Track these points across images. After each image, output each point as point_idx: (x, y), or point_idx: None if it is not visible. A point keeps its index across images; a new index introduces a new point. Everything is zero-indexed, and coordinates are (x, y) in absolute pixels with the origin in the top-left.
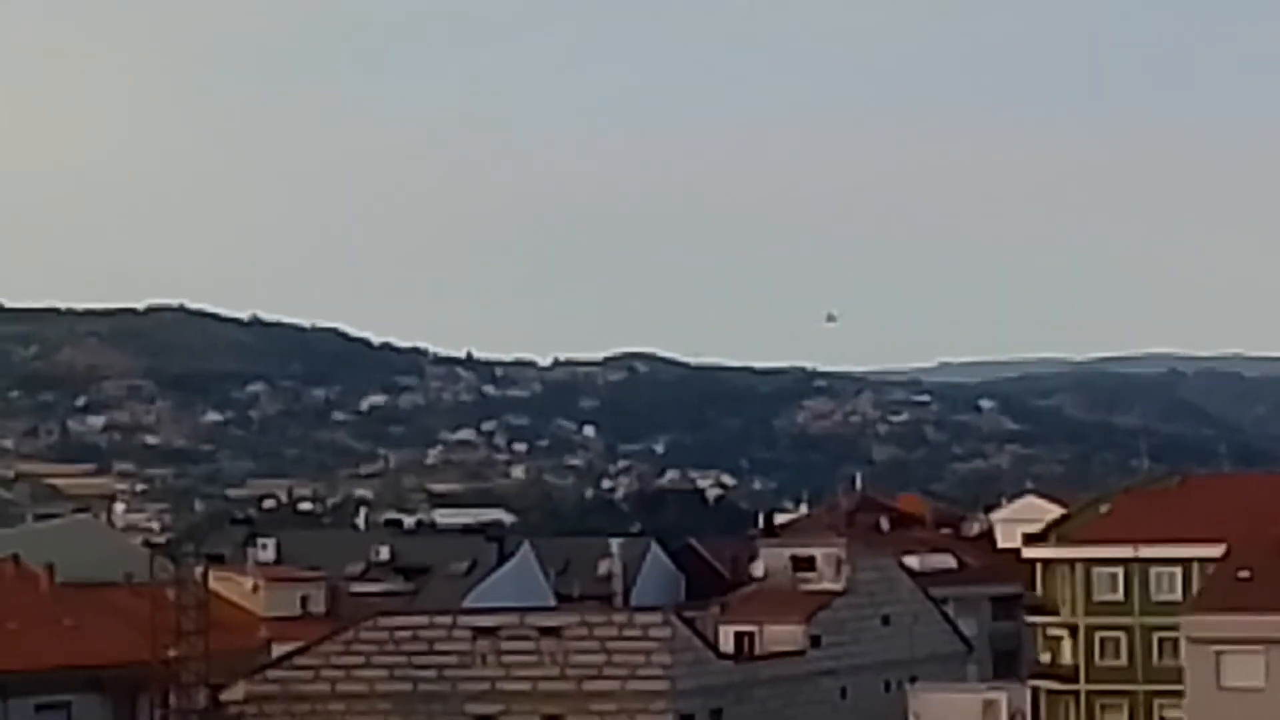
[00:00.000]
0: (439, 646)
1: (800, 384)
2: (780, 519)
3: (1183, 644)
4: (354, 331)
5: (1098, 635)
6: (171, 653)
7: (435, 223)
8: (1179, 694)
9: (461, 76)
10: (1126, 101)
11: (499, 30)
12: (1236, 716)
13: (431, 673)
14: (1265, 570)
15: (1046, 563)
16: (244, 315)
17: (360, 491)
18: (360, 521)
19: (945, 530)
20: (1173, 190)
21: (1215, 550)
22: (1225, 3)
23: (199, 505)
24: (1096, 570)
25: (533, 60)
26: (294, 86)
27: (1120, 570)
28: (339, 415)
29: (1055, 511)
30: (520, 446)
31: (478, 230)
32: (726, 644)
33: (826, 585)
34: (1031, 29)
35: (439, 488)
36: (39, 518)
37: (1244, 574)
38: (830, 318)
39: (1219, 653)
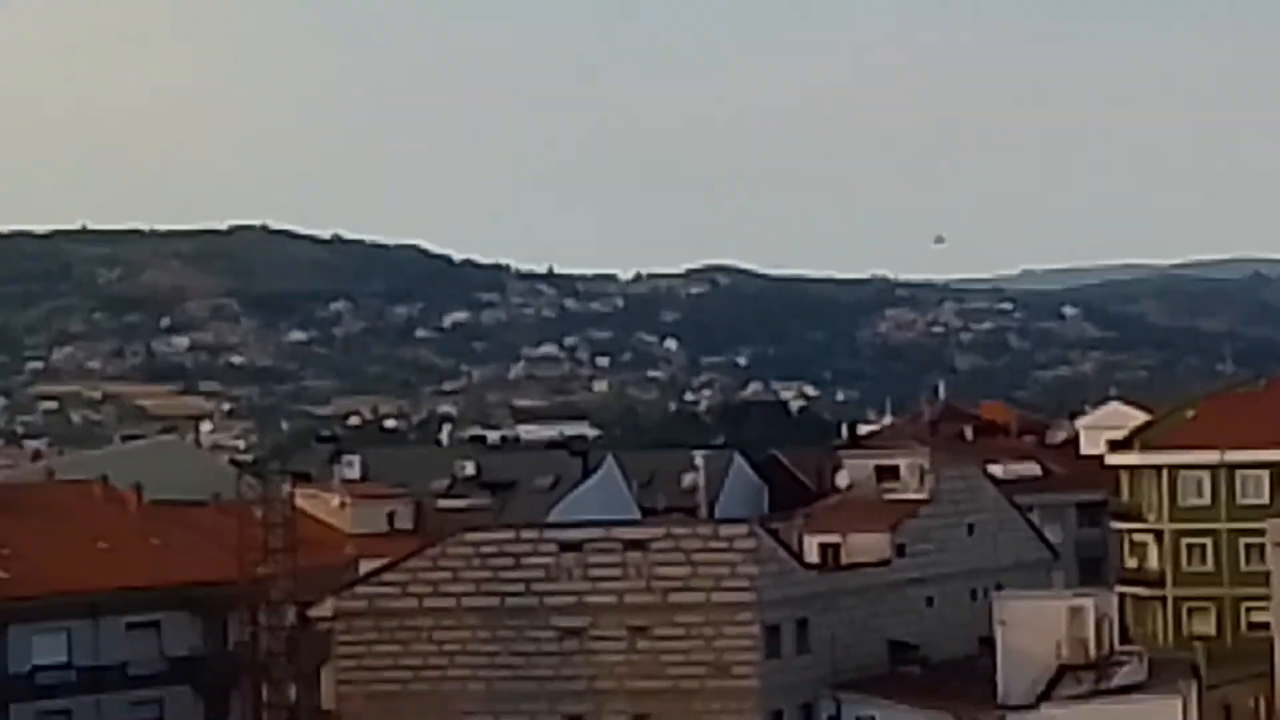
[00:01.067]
0: (525, 561)
1: (882, 294)
2: (863, 429)
3: (1269, 548)
4: (435, 248)
5: (1184, 541)
6: (260, 570)
7: (515, 140)
8: (1266, 598)
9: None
10: (1206, 8)
11: None
12: None
13: (518, 587)
14: None
15: (1132, 469)
16: (326, 234)
17: (444, 408)
18: (444, 438)
19: (1029, 438)
20: (1252, 95)
21: None
22: None
23: (284, 424)
24: (1182, 475)
25: None
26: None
27: (1206, 475)
28: (421, 332)
29: (1140, 418)
30: (603, 361)
31: (558, 147)
32: (811, 554)
33: (911, 495)
34: None
35: (522, 403)
36: (126, 438)
37: None
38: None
39: None
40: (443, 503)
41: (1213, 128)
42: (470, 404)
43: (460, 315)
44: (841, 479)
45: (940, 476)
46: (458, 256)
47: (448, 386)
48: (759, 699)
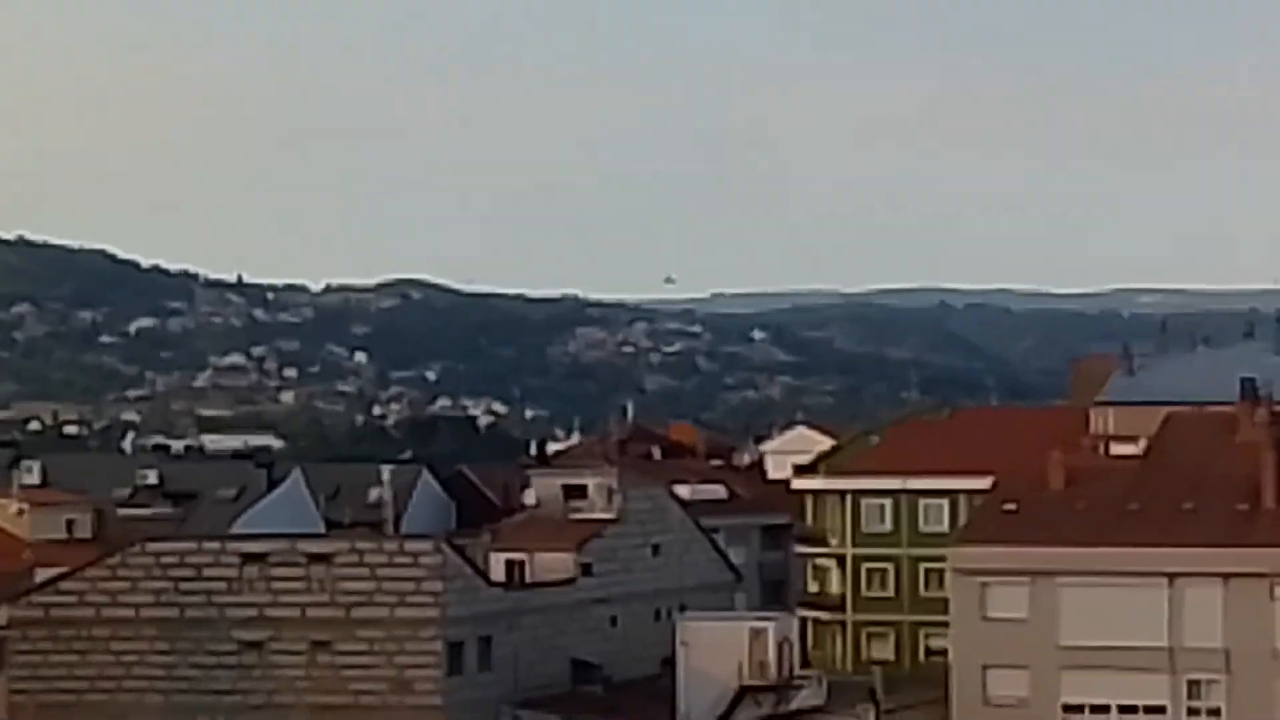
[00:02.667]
0: (207, 572)
1: (573, 312)
2: (552, 447)
3: (949, 575)
4: (122, 253)
5: (865, 566)
6: None
7: (207, 144)
8: (944, 624)
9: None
10: (904, 38)
11: None
12: (1000, 646)
13: (199, 598)
14: (1030, 503)
15: (816, 493)
16: (10, 235)
17: (127, 415)
18: (127, 446)
19: (716, 461)
20: (940, 124)
21: (983, 482)
22: None
23: None
24: (865, 501)
25: None
26: (57, 5)
27: (889, 501)
28: (106, 338)
29: (825, 443)
30: (291, 372)
31: (251, 153)
32: (497, 572)
33: (598, 514)
34: None
35: (208, 413)
36: None
37: (1009, 506)
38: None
39: (984, 584)
40: (124, 511)
41: (899, 157)
42: (154, 412)
43: (146, 322)
44: (529, 497)
45: (627, 496)
46: (145, 262)
47: (131, 394)
48: (440, 716)
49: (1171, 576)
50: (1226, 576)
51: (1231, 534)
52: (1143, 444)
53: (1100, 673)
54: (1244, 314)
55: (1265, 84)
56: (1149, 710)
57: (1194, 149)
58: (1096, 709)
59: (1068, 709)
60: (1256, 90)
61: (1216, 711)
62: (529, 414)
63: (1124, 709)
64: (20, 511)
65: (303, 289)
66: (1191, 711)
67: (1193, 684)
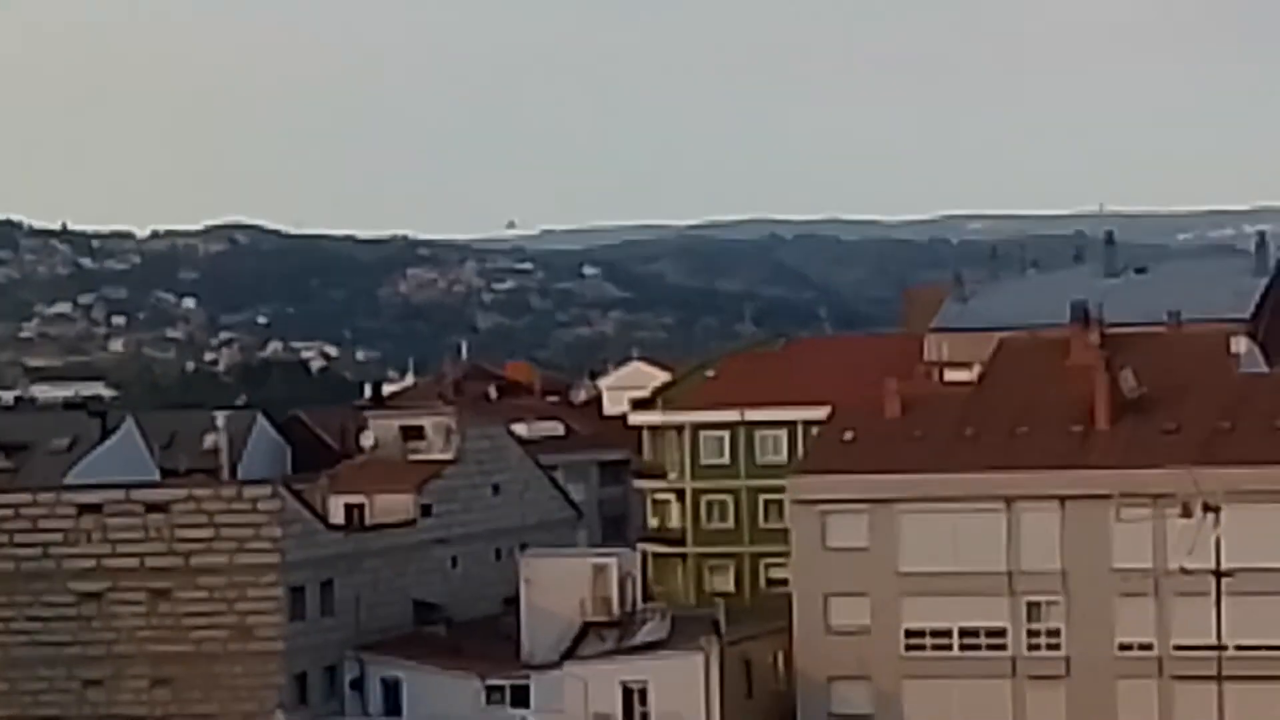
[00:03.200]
0: (42, 524)
1: (403, 253)
2: (388, 389)
3: (788, 505)
4: None
5: (704, 499)
6: None
7: (29, 89)
8: (785, 555)
9: None
10: None
11: None
12: (840, 575)
13: (35, 550)
14: (866, 431)
15: (653, 428)
16: None
17: None
18: None
19: (553, 398)
20: (770, 55)
21: (819, 413)
22: None
23: None
24: (703, 434)
25: None
26: None
27: (726, 434)
28: None
29: (661, 377)
30: (119, 319)
31: (73, 97)
32: (336, 515)
33: (436, 455)
34: None
35: (36, 362)
36: None
37: (847, 435)
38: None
39: (823, 513)
40: None
41: (728, 89)
42: None
43: None
44: (366, 439)
45: (466, 436)
46: None
47: None
48: (282, 661)
49: (1009, 500)
50: (1062, 499)
51: (1066, 457)
52: (977, 370)
53: (941, 598)
54: (1072, 238)
55: (1086, 5)
56: (990, 633)
57: (1016, 74)
58: (938, 633)
59: (909, 635)
60: (1077, 12)
61: (1056, 632)
62: (361, 356)
63: (965, 632)
64: None
65: (129, 235)
66: (1031, 633)
67: (1032, 606)
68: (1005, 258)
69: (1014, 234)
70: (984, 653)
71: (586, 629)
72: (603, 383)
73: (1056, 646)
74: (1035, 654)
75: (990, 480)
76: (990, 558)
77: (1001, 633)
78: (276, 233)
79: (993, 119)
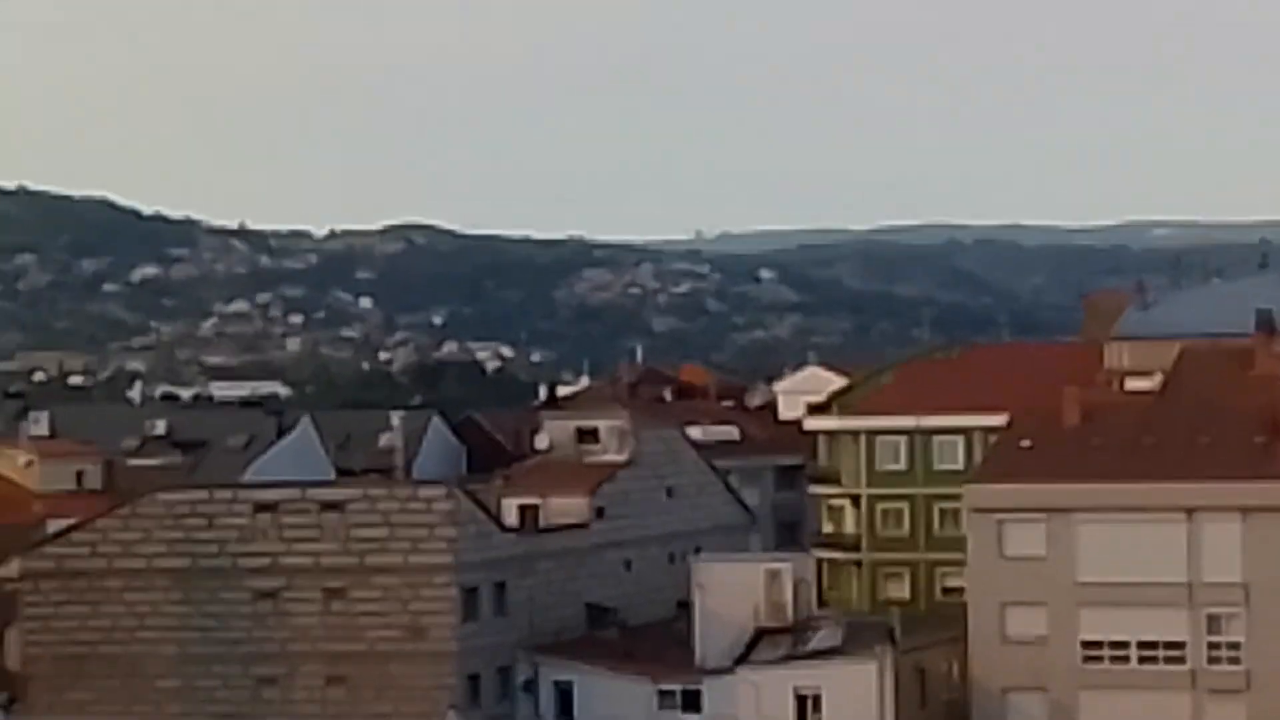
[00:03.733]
0: (219, 521)
1: (579, 254)
2: (563, 391)
3: (964, 513)
4: (124, 201)
5: (880, 505)
6: None
7: (207, 90)
8: (961, 563)
9: None
10: None
11: None
12: (1017, 584)
13: (212, 548)
14: (1045, 439)
15: (829, 433)
16: (11, 185)
17: (133, 364)
18: (135, 395)
19: (728, 402)
20: (950, 60)
21: (997, 419)
22: None
23: None
24: (879, 440)
25: None
26: None
27: (903, 440)
28: (110, 287)
29: (837, 382)
30: (296, 318)
31: (251, 98)
32: (510, 517)
33: (610, 457)
34: None
35: (214, 360)
36: None
37: (1025, 443)
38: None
39: (1000, 521)
40: (133, 462)
41: (910, 93)
42: (160, 361)
43: (150, 270)
44: (541, 441)
45: (640, 439)
46: (147, 210)
47: (136, 343)
48: (456, 662)
49: (1189, 511)
50: (1245, 510)
51: (1249, 467)
52: (1158, 378)
53: (1119, 609)
54: (1257, 246)
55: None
56: (1169, 645)
57: (1201, 78)
58: (1115, 645)
59: (1086, 645)
60: (1265, 19)
61: (1236, 645)
62: (536, 358)
63: (1143, 644)
64: (29, 463)
65: (306, 235)
66: (1212, 646)
67: (1212, 619)
68: (1189, 265)
69: (1198, 241)
70: (1162, 665)
71: (760, 635)
72: (778, 387)
73: (1237, 660)
74: (1215, 667)
75: (1171, 490)
76: (1170, 569)
77: (1180, 645)
78: (452, 233)
79: (1177, 124)
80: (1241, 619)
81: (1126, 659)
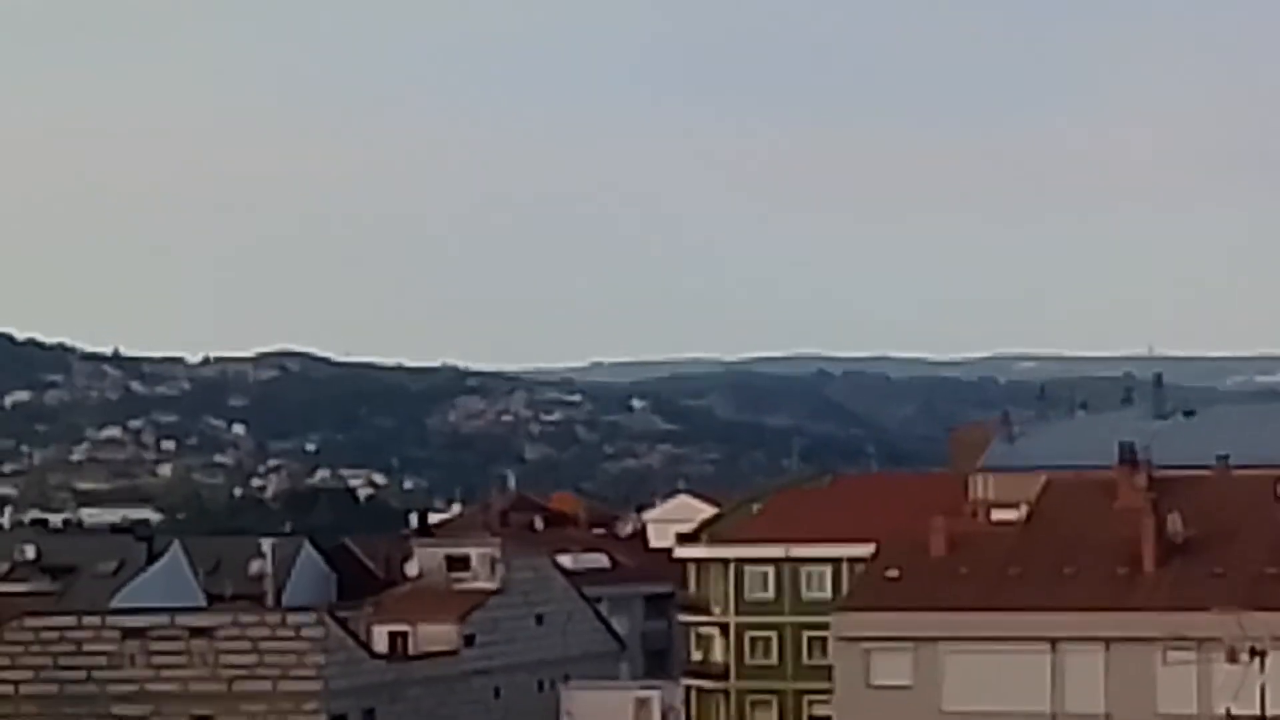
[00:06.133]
0: (87, 647)
1: (452, 383)
2: (434, 518)
3: (832, 642)
4: None
5: (748, 634)
6: None
7: (79, 215)
8: (828, 692)
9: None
10: (774, 101)
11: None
12: (883, 713)
13: (79, 674)
14: (913, 569)
15: (699, 562)
16: None
17: (3, 490)
18: (4, 520)
19: (598, 530)
20: (818, 191)
21: (865, 549)
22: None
23: None
24: (748, 569)
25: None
26: None
27: (771, 569)
28: None
29: (707, 511)
30: (169, 444)
31: (123, 223)
32: (380, 644)
33: (481, 584)
34: (667, 25)
35: (85, 486)
36: None
37: (892, 573)
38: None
39: (867, 650)
40: (1, 587)
41: (777, 224)
42: (31, 486)
43: (22, 395)
44: (411, 568)
45: (510, 566)
46: (20, 335)
47: (8, 468)
48: None
49: (1054, 641)
50: (1108, 641)
51: (1112, 598)
52: (1023, 510)
53: None
54: (1120, 380)
55: (1140, 148)
56: None
57: (1067, 215)
58: None
59: None
60: (1131, 154)
61: None
62: (408, 484)
63: None
64: None
65: (179, 361)
66: None
67: None
68: (1053, 398)
69: (1062, 374)
70: None
71: None
72: (648, 516)
73: None
74: None
75: (1035, 620)
76: (1034, 698)
77: None
78: (326, 360)
79: (1041, 260)
80: None
81: None
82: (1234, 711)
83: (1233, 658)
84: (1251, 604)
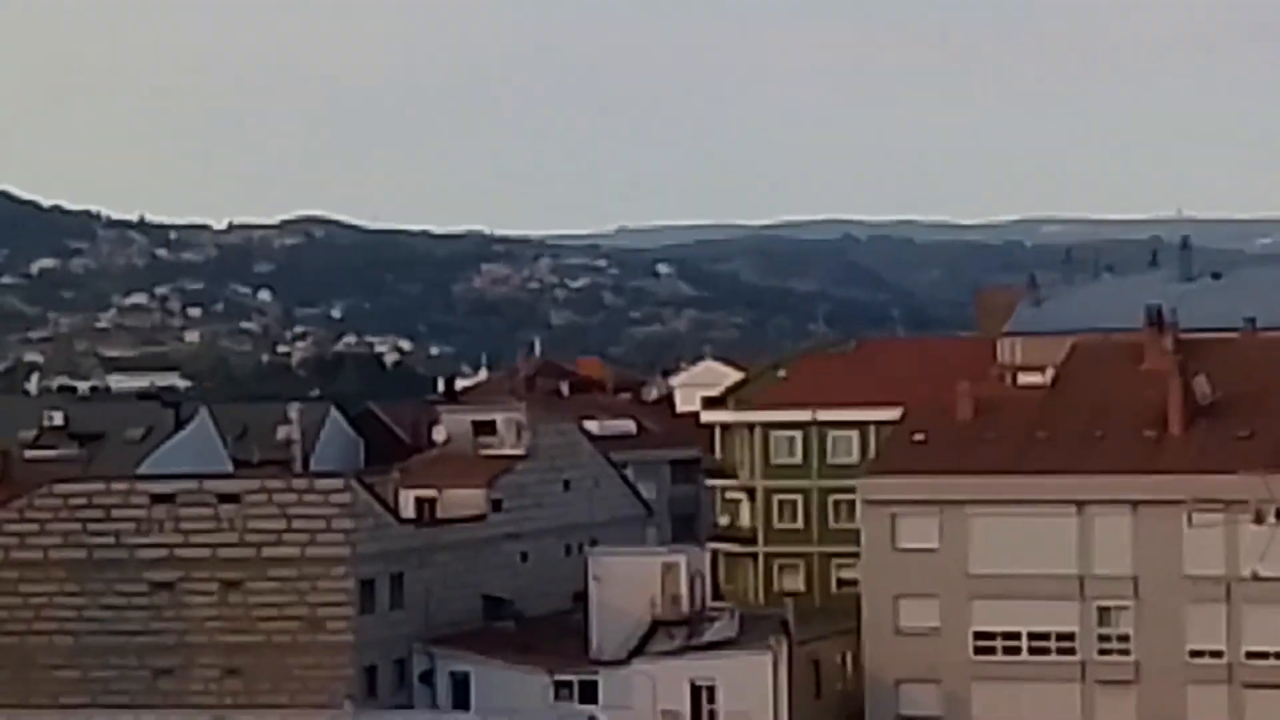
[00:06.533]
0: (115, 513)
1: (478, 248)
2: (460, 384)
3: (859, 506)
4: (23, 194)
5: (775, 498)
6: None
7: (107, 84)
8: (855, 555)
9: None
10: None
11: None
12: (910, 576)
13: (108, 539)
14: (939, 433)
15: (725, 426)
16: None
17: (30, 356)
18: (32, 387)
19: (625, 395)
20: (845, 57)
21: (891, 414)
22: None
23: None
24: (774, 434)
25: None
26: None
27: (798, 434)
28: (7, 279)
29: (733, 376)
30: (195, 311)
31: (150, 92)
32: (407, 509)
33: (507, 450)
34: None
35: (112, 353)
36: None
37: (919, 437)
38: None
39: (894, 514)
40: (30, 453)
41: (806, 90)
42: (58, 353)
43: (48, 262)
44: (438, 434)
45: (537, 432)
46: (46, 202)
47: (34, 335)
48: (352, 654)
49: (1080, 504)
50: (1135, 504)
51: (1139, 461)
52: (1050, 373)
53: (1011, 601)
54: (1147, 242)
55: (1163, 14)
56: (1059, 637)
57: (1094, 77)
58: (1008, 636)
59: (979, 637)
60: (1153, 20)
61: (1125, 638)
62: (434, 351)
63: (1034, 636)
64: None
65: (205, 228)
66: (1102, 638)
67: (1102, 610)
68: (1080, 261)
69: (1089, 238)
70: (1054, 657)
71: (655, 627)
72: (675, 381)
73: (1126, 652)
74: (1105, 659)
75: (1062, 483)
76: (1061, 561)
77: (1071, 637)
78: (352, 227)
79: (1069, 122)
80: (1131, 611)
81: (1018, 650)
82: (1260, 573)
83: (1259, 519)
84: (1278, 466)
